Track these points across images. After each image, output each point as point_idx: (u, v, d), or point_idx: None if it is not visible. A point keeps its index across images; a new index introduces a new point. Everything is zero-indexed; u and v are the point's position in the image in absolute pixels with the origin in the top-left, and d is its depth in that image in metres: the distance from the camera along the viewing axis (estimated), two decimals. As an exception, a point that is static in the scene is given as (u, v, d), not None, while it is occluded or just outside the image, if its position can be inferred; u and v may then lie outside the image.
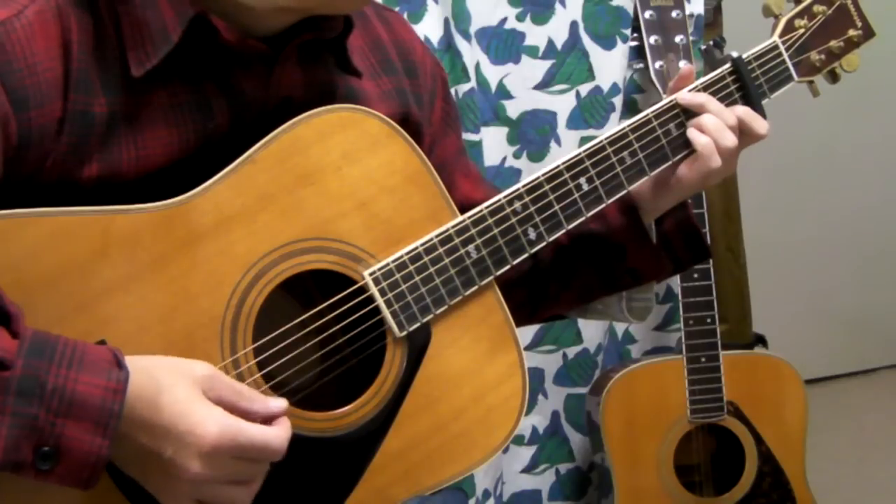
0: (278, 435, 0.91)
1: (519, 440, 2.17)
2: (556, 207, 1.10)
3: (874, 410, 3.07)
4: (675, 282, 2.02)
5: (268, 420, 0.92)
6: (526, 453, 2.19)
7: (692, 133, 1.16)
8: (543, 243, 1.10)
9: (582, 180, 1.12)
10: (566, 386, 2.20)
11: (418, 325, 1.04)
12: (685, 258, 1.26)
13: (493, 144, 2.06)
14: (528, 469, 2.20)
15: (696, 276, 1.99)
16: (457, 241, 1.06)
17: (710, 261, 2.00)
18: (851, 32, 1.26)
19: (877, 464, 2.75)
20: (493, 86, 2.05)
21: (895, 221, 3.25)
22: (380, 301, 1.03)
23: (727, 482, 2.06)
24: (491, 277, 1.07)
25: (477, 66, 2.01)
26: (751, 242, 2.37)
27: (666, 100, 1.17)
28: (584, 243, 1.23)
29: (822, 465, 2.24)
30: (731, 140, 1.15)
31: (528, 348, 2.08)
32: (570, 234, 1.20)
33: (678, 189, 1.18)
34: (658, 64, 2.01)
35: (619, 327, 2.26)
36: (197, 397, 0.88)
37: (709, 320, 2.00)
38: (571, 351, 2.18)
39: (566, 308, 1.31)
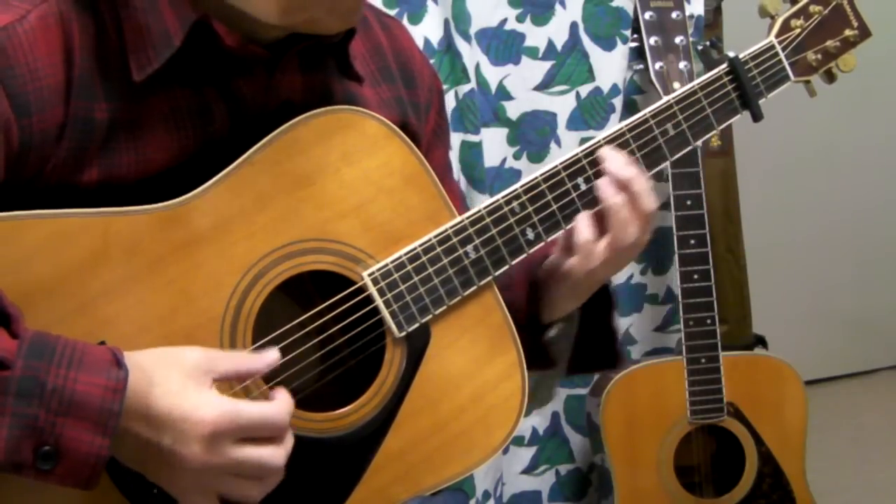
0: (278, 408, 0.92)
1: (519, 441, 2.18)
2: (554, 207, 1.10)
3: (874, 411, 3.08)
4: (675, 282, 2.02)
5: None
6: (526, 454, 2.19)
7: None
8: (542, 243, 1.10)
9: (580, 180, 1.12)
10: (566, 387, 2.20)
11: (417, 325, 1.04)
12: (592, 362, 1.24)
13: (493, 145, 2.06)
14: (528, 470, 2.20)
15: (696, 277, 1.99)
16: (455, 241, 1.06)
17: (710, 261, 2.00)
18: (847, 32, 1.27)
19: (877, 464, 2.75)
20: (493, 87, 2.05)
21: (895, 222, 3.25)
22: (379, 301, 1.03)
23: (727, 483, 2.06)
24: (490, 278, 1.07)
25: (477, 67, 2.02)
26: (751, 243, 2.37)
27: (661, 101, 1.17)
28: None
29: (822, 465, 2.24)
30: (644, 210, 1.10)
31: (528, 349, 2.08)
32: None
33: (568, 283, 1.13)
34: (658, 65, 2.01)
35: (619, 328, 2.25)
36: (191, 385, 0.88)
37: (709, 321, 2.00)
38: (571, 352, 2.18)
39: None
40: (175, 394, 0.87)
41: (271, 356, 0.94)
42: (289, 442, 0.93)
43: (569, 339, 1.21)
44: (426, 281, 1.04)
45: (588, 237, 1.09)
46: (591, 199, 1.12)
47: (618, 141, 1.13)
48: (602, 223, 1.10)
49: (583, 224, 1.10)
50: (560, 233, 1.11)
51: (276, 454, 0.91)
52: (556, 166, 1.11)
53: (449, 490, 1.15)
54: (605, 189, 1.09)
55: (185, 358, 0.90)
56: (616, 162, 1.10)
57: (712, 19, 2.19)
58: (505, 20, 2.04)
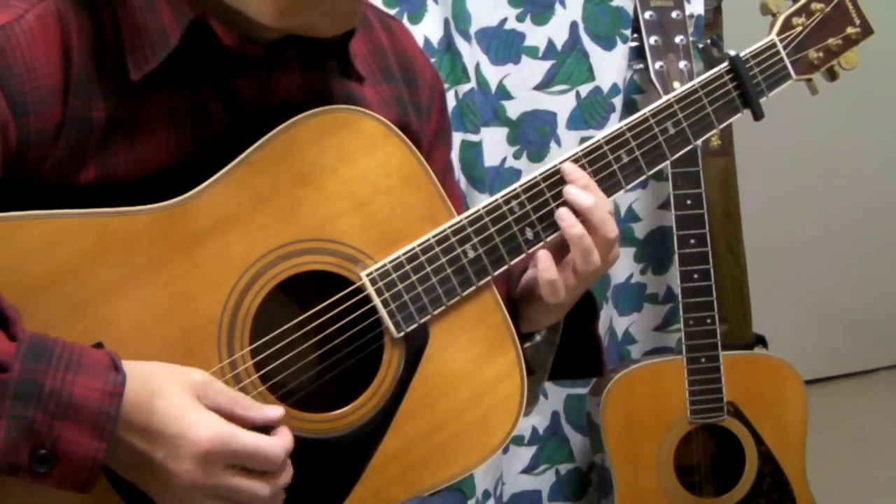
0: (274, 444, 0.91)
1: (519, 441, 2.17)
2: (553, 206, 1.10)
3: (874, 410, 3.08)
4: (675, 282, 2.02)
5: (266, 429, 0.92)
6: (526, 454, 2.19)
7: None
8: (541, 243, 1.10)
9: (578, 180, 1.11)
10: (566, 386, 2.20)
11: (416, 325, 1.04)
12: (578, 368, 1.24)
13: (493, 145, 2.06)
14: (528, 469, 2.20)
15: (696, 276, 1.99)
16: (453, 240, 1.06)
17: (710, 261, 2.00)
18: (849, 30, 1.26)
19: (877, 464, 2.75)
20: (493, 86, 2.05)
21: (895, 221, 3.25)
22: (377, 301, 1.02)
23: (727, 482, 2.06)
24: (488, 278, 1.07)
25: (477, 67, 2.01)
26: (751, 242, 2.37)
27: (661, 100, 1.17)
28: None
29: (822, 465, 2.24)
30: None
31: (528, 349, 2.07)
32: None
33: (542, 305, 1.12)
34: (658, 64, 2.01)
35: (619, 327, 2.26)
36: (191, 402, 0.88)
37: (709, 321, 1.99)
38: (571, 351, 2.17)
39: None
40: (176, 406, 0.87)
41: (274, 412, 0.93)
42: (283, 483, 0.92)
43: (552, 346, 1.21)
44: (424, 281, 1.04)
45: (552, 277, 1.08)
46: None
47: (616, 140, 1.13)
48: (565, 248, 1.10)
49: (545, 263, 1.08)
50: (559, 232, 1.10)
51: (264, 490, 0.90)
52: (555, 165, 1.11)
53: (448, 490, 1.14)
54: (566, 219, 1.08)
55: (189, 375, 0.90)
56: (574, 190, 1.09)
57: (712, 19, 2.19)
58: (505, 20, 2.03)
